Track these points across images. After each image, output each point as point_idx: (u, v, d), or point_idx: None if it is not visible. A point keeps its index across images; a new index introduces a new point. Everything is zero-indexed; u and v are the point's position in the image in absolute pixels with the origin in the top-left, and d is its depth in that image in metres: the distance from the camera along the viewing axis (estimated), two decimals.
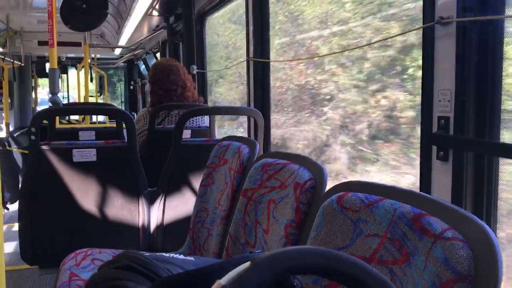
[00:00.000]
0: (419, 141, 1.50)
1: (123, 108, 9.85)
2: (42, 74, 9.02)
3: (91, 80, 8.42)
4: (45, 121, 3.80)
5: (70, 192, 2.37)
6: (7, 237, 3.63)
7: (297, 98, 3.08)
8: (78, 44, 7.07)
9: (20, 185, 4.83)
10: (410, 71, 2.06)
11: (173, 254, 0.86)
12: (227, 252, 1.65)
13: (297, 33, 3.00)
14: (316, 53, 2.70)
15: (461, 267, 0.76)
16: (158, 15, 4.98)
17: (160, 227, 2.48)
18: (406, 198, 0.96)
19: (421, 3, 1.48)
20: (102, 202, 2.42)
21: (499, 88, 1.32)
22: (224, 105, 4.62)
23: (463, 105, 1.33)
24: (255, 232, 1.53)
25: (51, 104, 3.38)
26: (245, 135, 3.16)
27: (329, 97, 2.70)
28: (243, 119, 3.70)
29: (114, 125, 4.20)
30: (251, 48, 2.91)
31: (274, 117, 3.10)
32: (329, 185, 1.26)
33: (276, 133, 3.17)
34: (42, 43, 7.21)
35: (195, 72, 4.10)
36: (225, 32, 4.62)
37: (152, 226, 2.49)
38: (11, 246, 3.42)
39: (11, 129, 7.07)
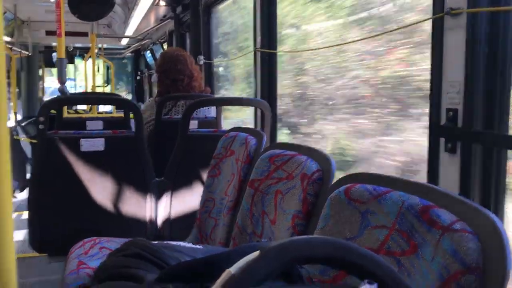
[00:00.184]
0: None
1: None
2: (49, 64, 9.05)
3: (98, 70, 8.44)
4: (52, 111, 3.81)
5: (78, 181, 2.38)
6: (16, 226, 3.65)
7: (390, 95, 2.19)
8: (85, 34, 7.08)
9: (27, 174, 4.88)
10: None
11: (181, 242, 0.87)
12: (234, 241, 1.66)
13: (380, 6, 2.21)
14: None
15: (470, 259, 0.76)
16: (165, 5, 4.97)
17: (167, 216, 2.50)
18: (415, 190, 0.96)
19: None
20: (110, 191, 2.43)
21: (509, 80, 1.31)
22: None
23: (472, 97, 1.32)
24: (262, 222, 1.53)
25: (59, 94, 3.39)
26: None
27: None
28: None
29: (120, 115, 4.21)
30: (258, 39, 2.90)
31: (355, 122, 2.37)
32: None
33: (358, 145, 2.38)
34: (49, 33, 7.23)
35: (202, 62, 4.10)
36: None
37: (159, 216, 2.50)
38: (19, 234, 3.45)
39: (19, 118, 7.12)
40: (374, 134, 2.28)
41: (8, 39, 7.00)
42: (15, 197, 4.61)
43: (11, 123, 6.75)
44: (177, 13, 4.91)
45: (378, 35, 2.01)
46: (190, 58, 3.27)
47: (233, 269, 0.55)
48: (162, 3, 4.90)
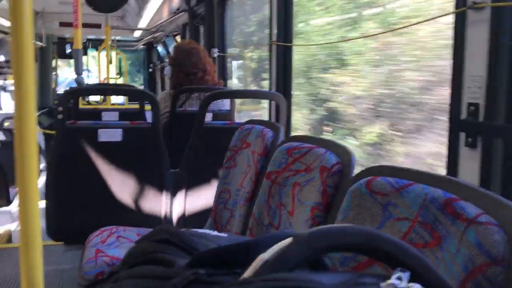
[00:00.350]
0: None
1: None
2: (63, 55, 9.10)
3: (111, 62, 8.47)
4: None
5: (95, 171, 2.41)
6: None
7: None
8: (98, 26, 7.11)
9: (41, 164, 4.92)
10: None
11: (206, 230, 0.88)
12: (250, 232, 1.67)
13: None
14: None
15: (496, 251, 0.77)
16: None
17: (182, 207, 2.52)
18: (437, 183, 0.96)
19: None
20: (126, 181, 2.45)
21: None
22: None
23: (494, 91, 1.31)
24: (279, 214, 1.54)
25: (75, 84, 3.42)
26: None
27: None
28: None
29: (133, 106, 4.23)
30: (274, 32, 2.90)
31: (413, 144, 1.87)
32: None
33: None
34: (63, 24, 7.26)
35: (215, 55, 4.10)
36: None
37: (175, 206, 2.52)
38: None
39: None
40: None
41: None
42: None
43: None
44: (191, 6, 4.92)
45: (402, 28, 2.00)
46: (204, 51, 3.28)
47: (266, 255, 0.56)
48: None
